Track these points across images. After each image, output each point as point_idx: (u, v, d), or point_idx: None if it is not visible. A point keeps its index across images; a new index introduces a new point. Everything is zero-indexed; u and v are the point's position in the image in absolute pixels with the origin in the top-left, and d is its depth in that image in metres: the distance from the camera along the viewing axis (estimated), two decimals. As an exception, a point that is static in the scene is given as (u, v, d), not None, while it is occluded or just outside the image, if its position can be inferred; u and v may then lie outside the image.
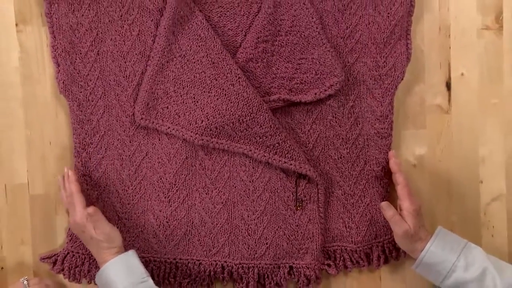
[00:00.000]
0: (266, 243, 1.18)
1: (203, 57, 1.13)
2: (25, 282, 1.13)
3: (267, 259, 1.18)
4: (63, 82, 1.15)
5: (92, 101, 1.16)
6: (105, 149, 1.17)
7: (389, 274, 1.22)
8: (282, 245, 1.18)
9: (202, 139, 1.11)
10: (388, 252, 1.19)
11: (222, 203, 1.17)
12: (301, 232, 1.18)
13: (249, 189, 1.17)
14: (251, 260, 1.18)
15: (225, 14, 1.15)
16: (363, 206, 1.18)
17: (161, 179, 1.17)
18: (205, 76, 1.13)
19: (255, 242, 1.18)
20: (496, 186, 1.21)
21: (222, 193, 1.17)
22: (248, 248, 1.18)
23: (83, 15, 1.14)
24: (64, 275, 1.18)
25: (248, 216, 1.17)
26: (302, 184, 1.17)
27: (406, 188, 1.12)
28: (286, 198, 1.18)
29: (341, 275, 1.21)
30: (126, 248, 1.12)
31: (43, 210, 1.20)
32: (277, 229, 1.18)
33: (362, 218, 1.18)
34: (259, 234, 1.18)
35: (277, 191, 1.17)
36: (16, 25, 1.17)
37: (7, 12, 1.17)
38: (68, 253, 1.18)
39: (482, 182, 1.21)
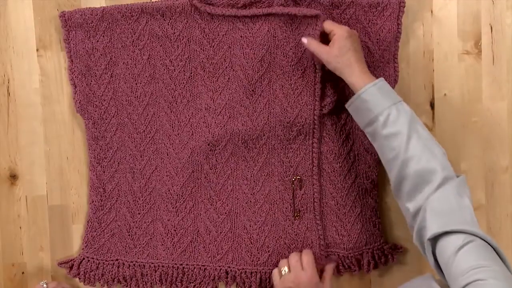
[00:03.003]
0: (268, 251, 1.20)
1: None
2: (44, 285, 1.17)
3: (270, 266, 1.20)
4: (80, 102, 1.20)
5: (106, 119, 1.20)
6: (118, 163, 1.21)
7: (378, 278, 1.24)
8: (284, 254, 1.20)
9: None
10: (377, 258, 1.20)
11: (225, 213, 1.20)
12: (301, 241, 1.20)
13: (250, 201, 1.20)
14: (254, 266, 1.20)
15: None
16: (354, 215, 1.19)
17: (169, 191, 1.20)
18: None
19: (257, 250, 1.20)
20: (477, 197, 1.22)
21: (225, 204, 1.20)
22: (251, 255, 1.20)
23: (98, 41, 1.18)
24: (79, 279, 1.23)
25: (250, 226, 1.20)
26: (298, 196, 1.19)
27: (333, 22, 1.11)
28: (285, 209, 1.20)
29: (334, 279, 1.21)
30: (136, 254, 1.18)
31: (60, 220, 1.24)
32: (278, 239, 1.20)
33: (354, 227, 1.19)
34: (261, 242, 1.20)
35: (276, 203, 1.20)
36: (37, 50, 1.22)
37: (29, 39, 1.21)
38: (83, 258, 1.22)
39: (464, 193, 1.22)
